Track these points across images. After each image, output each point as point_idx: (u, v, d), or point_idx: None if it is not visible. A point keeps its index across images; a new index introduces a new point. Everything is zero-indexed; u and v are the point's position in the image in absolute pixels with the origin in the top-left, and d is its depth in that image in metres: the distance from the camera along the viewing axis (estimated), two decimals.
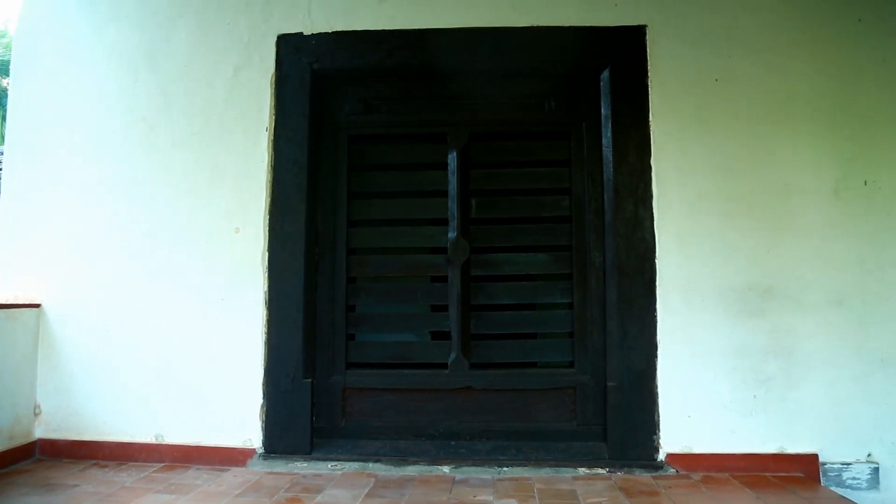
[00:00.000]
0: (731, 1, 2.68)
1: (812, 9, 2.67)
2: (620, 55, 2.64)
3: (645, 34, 2.65)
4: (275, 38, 2.75)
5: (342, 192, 2.76)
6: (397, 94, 2.80)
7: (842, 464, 2.50)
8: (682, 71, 2.64)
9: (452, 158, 2.71)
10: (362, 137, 2.81)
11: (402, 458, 2.56)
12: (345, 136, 2.79)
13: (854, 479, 2.48)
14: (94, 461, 2.61)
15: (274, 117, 2.71)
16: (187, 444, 2.61)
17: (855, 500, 2.34)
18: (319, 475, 2.47)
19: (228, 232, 2.69)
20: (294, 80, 2.71)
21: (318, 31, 2.74)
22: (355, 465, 2.54)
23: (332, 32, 2.73)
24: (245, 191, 2.69)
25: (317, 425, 2.65)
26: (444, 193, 2.70)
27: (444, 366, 2.67)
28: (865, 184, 2.60)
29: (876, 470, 2.49)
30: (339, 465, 2.55)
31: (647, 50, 2.65)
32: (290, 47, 2.73)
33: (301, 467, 2.54)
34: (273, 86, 2.73)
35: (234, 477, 2.45)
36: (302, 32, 2.74)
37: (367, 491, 2.27)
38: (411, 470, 2.51)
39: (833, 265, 2.55)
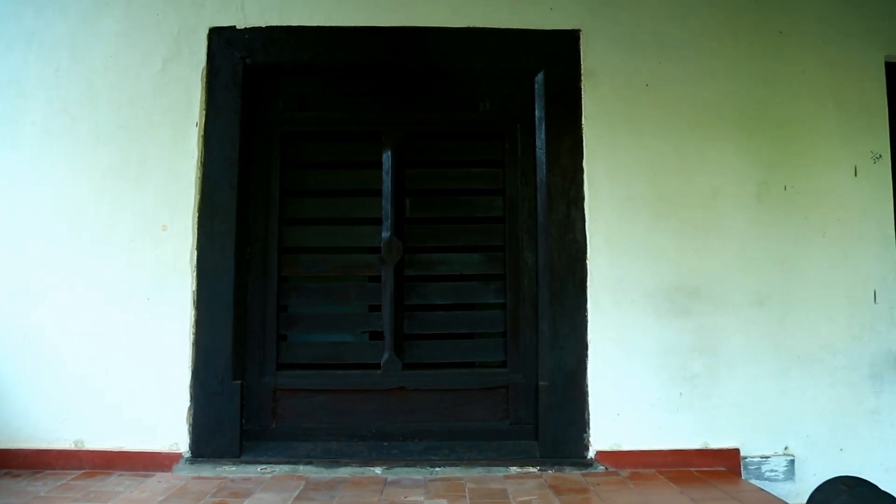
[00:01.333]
0: (660, 9, 2.74)
1: (737, 19, 2.76)
2: (554, 58, 2.68)
3: (578, 38, 2.69)
4: (206, 32, 2.67)
5: (275, 190, 2.71)
6: (332, 91, 2.77)
7: (761, 457, 2.59)
8: (614, 75, 2.69)
9: (387, 157, 2.69)
10: (296, 135, 2.76)
11: (333, 459, 2.53)
12: (278, 133, 2.74)
13: (772, 471, 2.58)
14: (6, 470, 2.47)
15: (205, 112, 2.64)
16: (109, 449, 2.51)
17: (772, 491, 2.44)
18: (248, 478, 2.41)
19: (155, 229, 2.60)
20: (226, 75, 2.65)
21: (251, 26, 2.68)
22: (286, 468, 2.50)
23: (266, 27, 2.68)
24: (173, 187, 2.61)
25: (246, 428, 2.59)
26: (379, 193, 2.68)
27: (377, 366, 2.65)
28: (785, 189, 2.70)
29: (792, 462, 2.59)
30: (269, 467, 2.49)
31: (581, 54, 2.69)
32: (222, 41, 2.66)
33: (230, 471, 2.48)
34: (204, 80, 2.65)
35: (158, 483, 2.37)
36: (234, 26, 2.67)
37: (296, 494, 2.23)
38: (343, 472, 2.48)
39: (755, 266, 2.65)
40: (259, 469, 2.48)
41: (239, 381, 2.56)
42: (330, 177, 2.77)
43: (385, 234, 2.66)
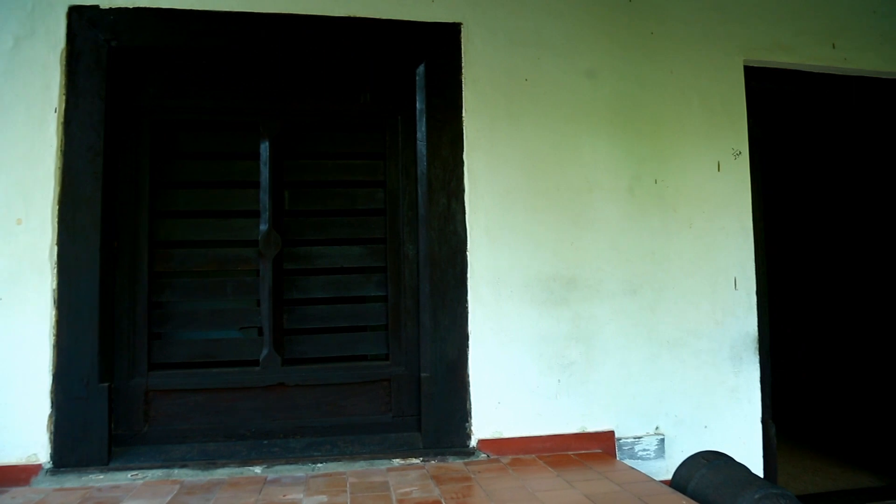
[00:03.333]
0: (541, 6, 2.80)
1: (611, 18, 2.87)
2: (436, 51, 2.68)
3: (460, 31, 2.71)
4: (65, 10, 2.49)
5: (145, 182, 2.57)
6: (207, 79, 2.65)
7: (634, 438, 2.72)
8: (494, 69, 2.73)
9: (265, 148, 2.61)
10: (168, 123, 2.63)
11: (210, 461, 2.44)
12: (149, 122, 2.59)
13: (644, 450, 2.72)
14: None
15: (65, 98, 2.46)
16: None
17: (644, 469, 2.57)
18: (117, 486, 2.29)
19: (9, 223, 2.40)
20: (88, 58, 2.48)
21: (116, 6, 2.52)
22: (158, 473, 2.38)
23: (134, 8, 2.53)
24: (29, 177, 2.42)
25: (116, 433, 2.46)
26: (256, 184, 2.60)
27: (256, 362, 2.57)
28: (656, 182, 2.84)
29: (662, 441, 2.73)
30: (141, 473, 2.37)
31: (462, 47, 2.71)
32: (83, 21, 2.49)
33: (97, 480, 2.33)
34: (63, 63, 2.47)
35: (12, 499, 2.19)
36: (98, 6, 2.50)
37: (169, 499, 2.14)
38: (221, 473, 2.40)
39: (628, 257, 2.77)
40: (129, 476, 2.36)
41: (106, 384, 2.41)
42: (205, 168, 2.65)
43: (263, 227, 2.58)
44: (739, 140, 2.97)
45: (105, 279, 2.44)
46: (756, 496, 2.09)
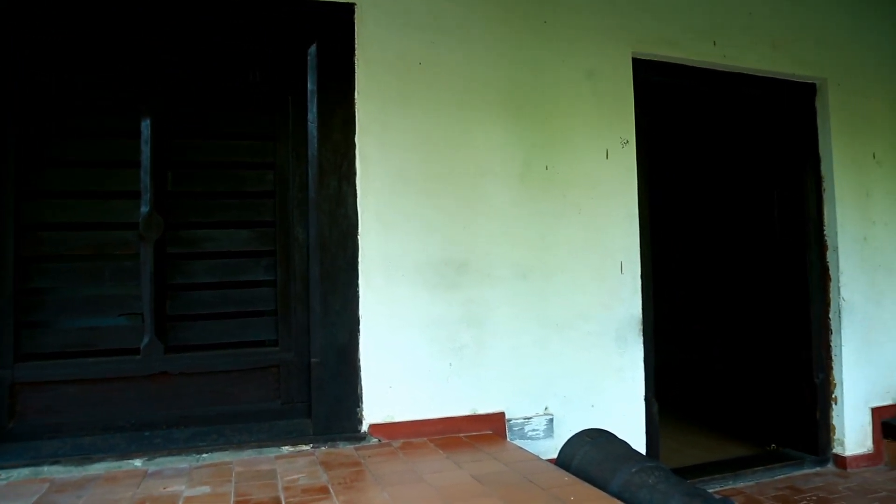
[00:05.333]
0: None
1: (506, 6, 2.90)
2: (328, 31, 2.63)
3: (353, 12, 2.67)
4: None
5: (11, 161, 2.39)
6: (85, 51, 2.48)
7: (524, 418, 2.79)
8: (387, 52, 2.70)
9: (146, 126, 2.48)
10: (40, 98, 2.45)
11: (85, 456, 2.31)
12: (18, 96, 2.41)
13: (534, 430, 2.79)
14: None
15: None
16: None
17: (533, 448, 2.65)
18: None
19: None
20: None
21: None
22: (25, 472, 2.23)
23: None
24: None
25: None
26: (137, 164, 2.47)
27: (137, 351, 2.46)
28: (546, 169, 2.90)
29: (551, 421, 2.82)
30: (5, 473, 2.22)
31: (356, 29, 2.66)
32: None
33: None
34: None
35: None
36: None
37: (35, 499, 2.00)
38: (96, 468, 2.28)
39: (519, 241, 2.82)
40: None
41: None
42: (81, 146, 2.49)
43: (144, 209, 2.46)
44: (627, 129, 3.08)
45: None
46: (633, 469, 2.19)
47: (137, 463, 2.33)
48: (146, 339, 2.45)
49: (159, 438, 2.42)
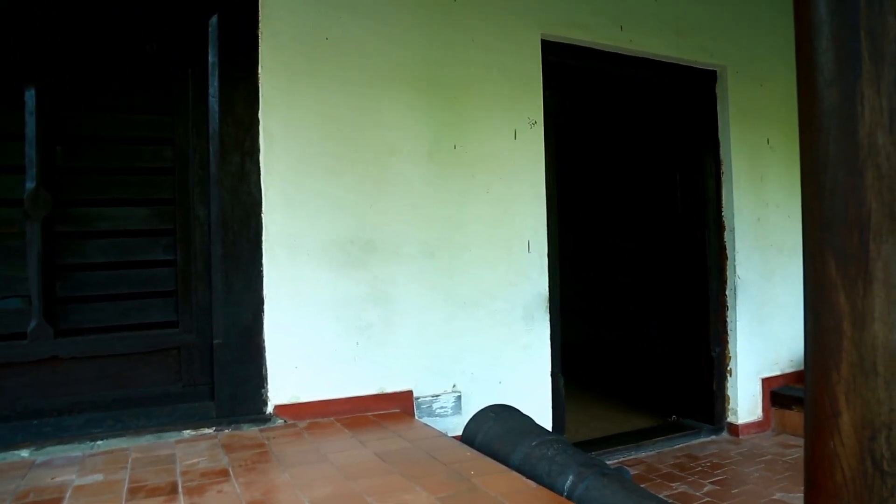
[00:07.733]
0: None
1: None
2: (230, 2, 2.54)
3: None
4: None
5: None
6: None
7: (432, 396, 2.82)
8: (293, 26, 2.63)
9: (30, 97, 2.33)
10: None
11: None
12: None
13: (442, 407, 2.83)
14: None
15: None
16: None
17: (441, 426, 2.69)
18: None
19: None
20: None
21: None
22: None
23: None
24: None
25: None
26: (22, 137, 2.33)
27: (24, 335, 2.33)
28: (455, 148, 2.92)
29: (459, 398, 2.86)
30: None
31: (259, 0, 2.59)
32: None
33: None
34: None
35: None
36: None
37: None
38: None
39: (426, 220, 2.83)
40: None
41: None
42: None
43: (30, 185, 2.32)
44: (535, 110, 3.13)
45: None
46: (533, 443, 2.26)
47: (24, 453, 2.22)
48: (33, 323, 2.33)
49: (49, 427, 2.32)
